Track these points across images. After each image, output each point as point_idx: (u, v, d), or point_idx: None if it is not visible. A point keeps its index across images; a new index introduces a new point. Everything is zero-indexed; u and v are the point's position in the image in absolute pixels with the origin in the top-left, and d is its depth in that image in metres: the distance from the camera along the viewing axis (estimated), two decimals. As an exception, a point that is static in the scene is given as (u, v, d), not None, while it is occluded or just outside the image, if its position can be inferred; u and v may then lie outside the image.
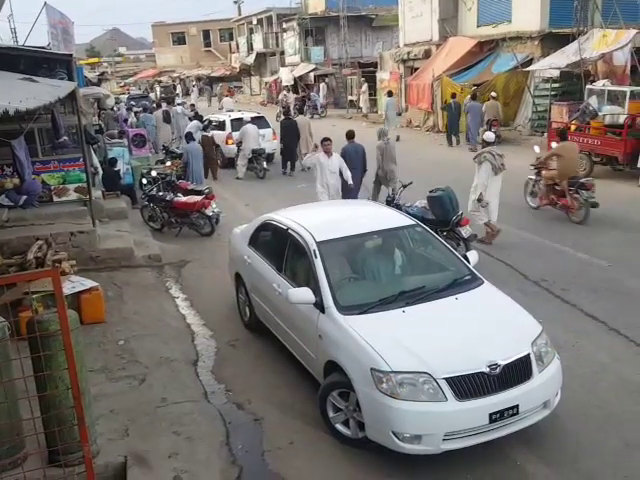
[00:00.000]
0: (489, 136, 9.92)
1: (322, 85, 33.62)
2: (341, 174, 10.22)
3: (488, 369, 4.39)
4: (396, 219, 6.24)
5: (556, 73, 18.11)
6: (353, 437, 4.78)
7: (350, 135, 11.08)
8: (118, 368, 5.98)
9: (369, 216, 6.50)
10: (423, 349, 4.54)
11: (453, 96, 20.10)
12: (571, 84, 17.91)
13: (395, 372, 4.38)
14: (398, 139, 19.01)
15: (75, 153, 9.95)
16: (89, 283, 7.09)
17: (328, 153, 10.05)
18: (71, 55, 10.50)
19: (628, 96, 14.01)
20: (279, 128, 16.41)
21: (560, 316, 6.80)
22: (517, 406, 4.41)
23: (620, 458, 4.51)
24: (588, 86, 15.39)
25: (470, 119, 18.83)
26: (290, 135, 15.94)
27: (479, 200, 9.41)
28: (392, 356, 4.47)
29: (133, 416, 5.08)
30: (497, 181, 9.49)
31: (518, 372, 4.50)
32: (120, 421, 4.99)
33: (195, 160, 13.24)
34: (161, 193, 11.28)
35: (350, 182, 10.22)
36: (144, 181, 12.30)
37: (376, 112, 28.98)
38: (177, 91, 42.66)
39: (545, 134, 16.26)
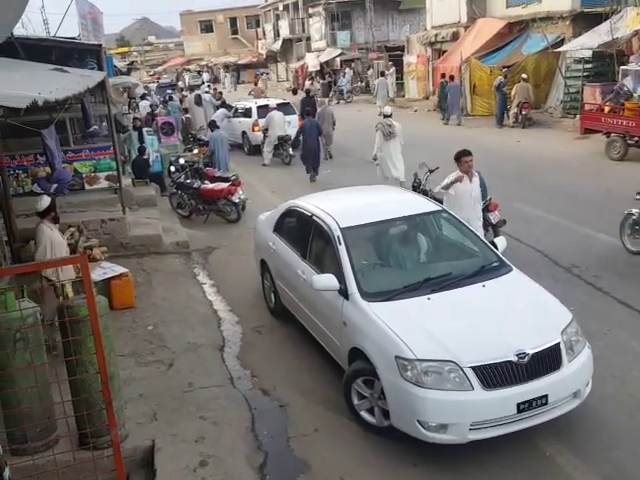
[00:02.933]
0: (386, 110, 12.37)
1: (347, 70, 33.28)
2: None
3: (516, 358, 4.31)
4: (421, 205, 6.15)
5: (588, 53, 17.63)
6: (378, 425, 4.75)
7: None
8: (147, 353, 6.09)
9: (394, 202, 6.42)
10: (448, 337, 4.48)
11: (442, 76, 21.79)
12: (604, 64, 17.41)
13: (420, 360, 4.33)
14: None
15: (106, 142, 10.08)
16: (119, 269, 7.23)
17: (469, 174, 6.99)
18: (100, 45, 10.63)
19: (665, 76, 13.55)
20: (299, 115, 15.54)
21: (592, 304, 6.64)
22: (546, 396, 4.33)
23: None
24: (622, 67, 14.90)
25: (450, 98, 20.56)
26: (311, 137, 13.92)
27: (374, 158, 11.85)
28: (417, 344, 4.42)
29: (161, 400, 5.16)
30: (392, 144, 11.63)
31: (547, 361, 4.41)
32: (148, 405, 5.08)
33: (221, 148, 13.27)
34: (189, 181, 11.38)
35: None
36: (172, 169, 12.42)
37: (403, 96, 28.65)
38: (203, 78, 42.75)
39: (578, 116, 15.82)
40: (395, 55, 31.51)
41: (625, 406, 4.89)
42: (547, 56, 19.31)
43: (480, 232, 6.72)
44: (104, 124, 11.30)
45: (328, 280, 5.17)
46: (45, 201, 6.13)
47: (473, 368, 4.27)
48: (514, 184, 11.71)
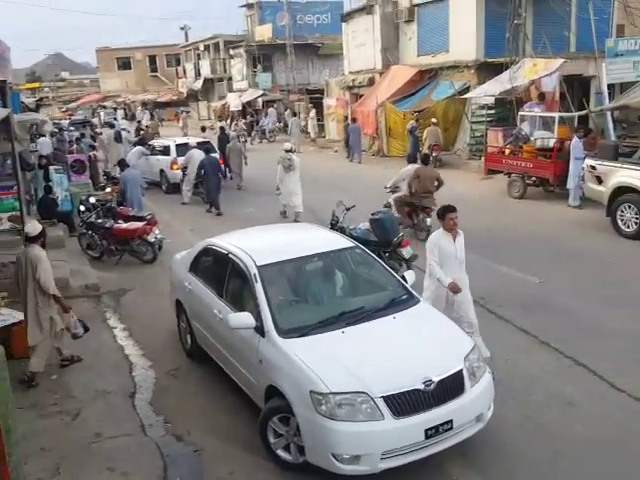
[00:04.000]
0: (286, 146, 13.90)
1: (271, 110, 33.74)
2: None
3: (423, 385, 4.52)
4: (336, 241, 6.37)
5: (491, 100, 18.89)
6: (294, 462, 4.80)
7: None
8: (50, 404, 5.82)
9: (310, 239, 6.60)
10: (361, 369, 4.63)
11: (345, 119, 24.46)
12: (505, 110, 18.72)
13: (334, 393, 4.45)
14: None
15: (9, 180, 9.66)
16: (20, 316, 6.81)
17: (452, 232, 6.30)
18: (4, 81, 10.28)
19: (557, 121, 14.76)
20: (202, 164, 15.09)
21: (494, 331, 7.05)
22: (451, 421, 4.55)
23: (549, 467, 4.70)
24: (520, 112, 16.12)
25: (352, 138, 22.30)
26: (212, 173, 14.52)
27: (277, 189, 13.28)
28: (331, 377, 4.54)
29: (65, 453, 4.96)
30: (291, 176, 13.09)
31: (451, 387, 4.65)
32: (51, 459, 4.86)
33: (134, 187, 12.95)
34: (100, 220, 11.05)
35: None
36: (82, 208, 12.03)
37: (324, 137, 29.45)
38: (117, 115, 41.91)
39: (482, 158, 16.87)
40: (316, 97, 32.45)
41: (525, 428, 5.21)
42: (455, 102, 20.49)
43: (469, 306, 6.34)
44: (8, 162, 10.85)
45: (244, 318, 5.23)
46: (37, 226, 6.48)
47: (384, 398, 4.44)
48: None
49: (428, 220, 10.78)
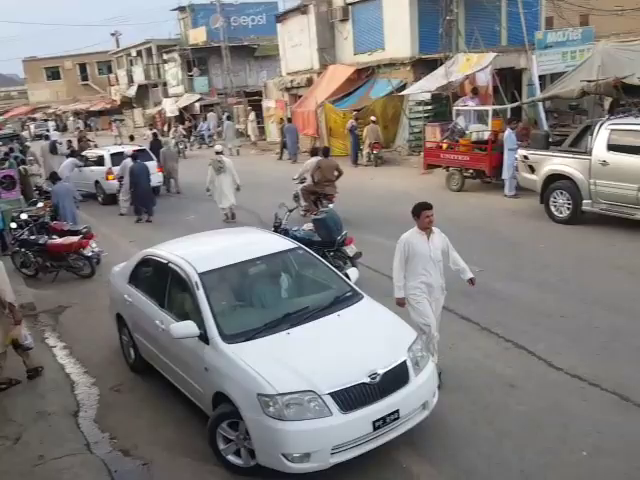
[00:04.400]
0: (217, 148, 14.34)
1: (210, 114, 33.35)
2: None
3: (369, 379, 4.60)
4: (278, 243, 6.38)
5: (428, 96, 19.29)
6: (245, 466, 4.78)
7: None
8: (-12, 430, 5.58)
9: (251, 243, 6.58)
10: (307, 368, 4.66)
11: (281, 121, 24.79)
12: (441, 106, 19.17)
13: (281, 394, 4.46)
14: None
15: None
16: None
17: (427, 230, 5.91)
18: None
19: (491, 114, 15.22)
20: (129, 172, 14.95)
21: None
22: (398, 411, 4.65)
23: (493, 448, 4.85)
24: (455, 107, 16.53)
25: (288, 137, 22.64)
26: (142, 180, 14.59)
27: (207, 190, 13.62)
28: (277, 379, 4.55)
29: (7, 479, 4.76)
30: (223, 178, 13.32)
31: (396, 378, 4.74)
32: (-8, 485, 4.68)
33: (66, 200, 12.49)
34: (33, 236, 10.62)
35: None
36: (13, 225, 11.55)
37: (265, 140, 29.36)
38: (48, 126, 40.47)
39: (421, 153, 17.21)
40: (254, 100, 32.30)
41: (470, 412, 5.37)
42: (392, 99, 20.83)
43: (440, 304, 6.05)
44: None
45: (187, 327, 5.16)
46: None
47: (331, 394, 4.49)
48: (370, 218, 12.47)
49: (331, 205, 11.77)
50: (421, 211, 5.80)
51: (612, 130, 10.25)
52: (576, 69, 14.73)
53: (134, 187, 14.60)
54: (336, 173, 12.49)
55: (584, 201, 10.73)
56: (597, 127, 10.52)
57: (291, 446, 4.41)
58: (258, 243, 6.49)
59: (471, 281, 6.07)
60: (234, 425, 4.78)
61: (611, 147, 10.22)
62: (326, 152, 13.02)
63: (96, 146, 23.34)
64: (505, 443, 4.91)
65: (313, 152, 13.84)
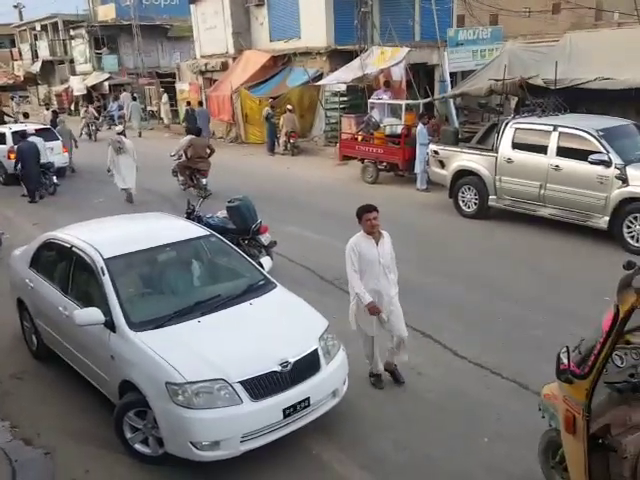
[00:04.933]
0: (118, 129, 15.33)
1: (124, 94, 31.54)
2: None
3: (280, 367, 4.62)
4: (189, 230, 6.24)
5: (343, 87, 19.43)
6: (153, 455, 4.70)
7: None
8: None
9: (161, 229, 6.40)
10: (218, 356, 4.62)
11: (188, 104, 24.45)
12: (357, 97, 19.36)
13: (190, 382, 4.40)
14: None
15: None
16: None
17: (375, 234, 5.54)
18: None
19: (404, 108, 15.61)
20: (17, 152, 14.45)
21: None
22: (308, 398, 4.71)
23: (401, 433, 5.02)
24: (369, 100, 16.81)
25: (199, 122, 21.95)
26: (30, 159, 14.11)
27: (108, 170, 13.68)
28: (187, 367, 4.48)
29: None
30: (123, 159, 13.49)
31: (307, 366, 4.80)
32: None
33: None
34: None
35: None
36: None
37: (179, 123, 28.53)
38: None
39: (337, 144, 17.37)
40: (167, 82, 31.25)
41: (379, 399, 5.53)
42: (309, 89, 20.76)
43: (398, 319, 5.67)
44: None
45: (91, 314, 4.97)
46: None
47: (241, 382, 4.47)
48: (285, 207, 12.45)
49: (204, 180, 13.71)
50: (363, 214, 5.41)
51: (517, 129, 10.77)
52: (485, 67, 15.41)
53: (22, 166, 14.10)
54: (208, 151, 13.97)
55: (490, 197, 11.23)
56: (503, 125, 11.05)
57: (200, 434, 4.37)
58: (169, 229, 6.33)
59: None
60: (141, 414, 4.69)
61: (516, 145, 10.73)
62: (198, 132, 14.81)
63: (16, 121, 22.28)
64: (412, 429, 5.09)
65: (188, 131, 15.57)
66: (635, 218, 9.15)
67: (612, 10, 22.04)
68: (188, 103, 24.71)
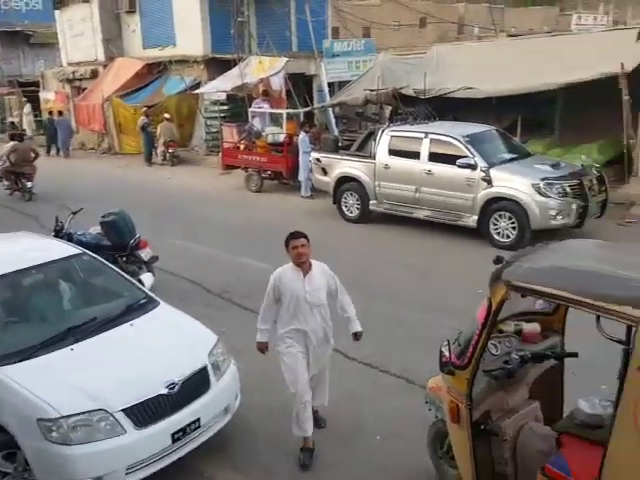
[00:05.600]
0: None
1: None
2: None
3: (166, 390, 4.36)
4: (58, 250, 5.75)
5: (223, 96, 19.19)
6: (26, 499, 4.22)
7: None
8: None
9: (25, 250, 5.83)
10: (95, 385, 4.26)
11: (50, 113, 23.49)
12: (237, 106, 19.22)
13: (65, 417, 4.02)
14: None
15: None
16: None
17: (304, 266, 4.81)
18: None
19: (285, 117, 15.70)
20: None
21: (241, 322, 7.17)
22: (199, 419, 4.48)
23: (295, 444, 4.89)
24: (250, 109, 16.74)
25: (60, 132, 22.04)
26: None
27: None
28: (60, 400, 4.09)
29: None
30: None
31: (197, 385, 4.57)
32: None
33: None
34: None
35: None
36: None
37: (43, 134, 26.66)
38: None
39: (220, 154, 17.09)
40: (31, 91, 29.09)
41: (269, 413, 5.37)
42: (187, 97, 20.24)
43: (322, 360, 4.96)
44: None
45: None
46: None
47: (124, 410, 4.16)
48: (167, 220, 12.00)
49: (29, 183, 14.38)
50: (289, 241, 4.72)
51: (392, 136, 11.22)
52: (359, 78, 15.95)
53: None
54: (33, 155, 14.79)
55: (371, 201, 11.58)
56: (379, 133, 11.45)
57: (80, 472, 4.00)
58: (34, 250, 5.78)
59: (355, 335, 5.01)
60: (11, 456, 4.20)
61: (392, 152, 11.16)
62: (21, 137, 15.87)
63: None
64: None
65: (11, 137, 16.14)
66: (500, 216, 9.85)
67: (473, 25, 23.72)
68: (50, 112, 23.56)
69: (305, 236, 4.76)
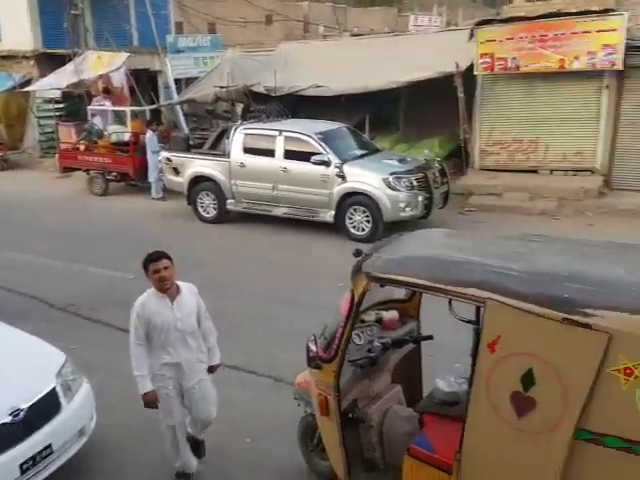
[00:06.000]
0: None
1: None
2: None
3: (10, 417, 3.93)
4: None
5: (58, 93, 17.86)
6: None
7: None
8: None
9: None
10: None
11: None
12: (75, 104, 17.95)
13: None
14: None
15: None
16: None
17: (169, 292, 4.17)
18: None
19: (129, 115, 14.89)
20: None
21: (92, 337, 6.70)
22: (50, 445, 4.09)
23: (160, 458, 4.61)
24: (89, 107, 15.70)
25: None
26: None
27: None
28: None
29: None
30: None
31: (45, 409, 4.17)
32: None
33: None
34: None
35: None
36: None
37: None
38: None
39: (57, 155, 15.82)
40: None
41: (130, 427, 5.06)
42: (16, 96, 18.60)
43: (207, 401, 4.34)
44: None
45: None
46: None
47: (-41, 448, 3.65)
48: (0, 230, 10.84)
49: None
50: (148, 264, 4.06)
51: (246, 134, 11.12)
52: (207, 75, 15.64)
53: None
54: None
55: (228, 201, 11.39)
56: (232, 131, 11.29)
57: None
58: None
59: (211, 369, 4.39)
60: None
61: (246, 150, 11.06)
62: None
63: None
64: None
65: None
66: (355, 210, 10.23)
67: (317, 23, 24.29)
68: None
69: (167, 256, 4.10)
